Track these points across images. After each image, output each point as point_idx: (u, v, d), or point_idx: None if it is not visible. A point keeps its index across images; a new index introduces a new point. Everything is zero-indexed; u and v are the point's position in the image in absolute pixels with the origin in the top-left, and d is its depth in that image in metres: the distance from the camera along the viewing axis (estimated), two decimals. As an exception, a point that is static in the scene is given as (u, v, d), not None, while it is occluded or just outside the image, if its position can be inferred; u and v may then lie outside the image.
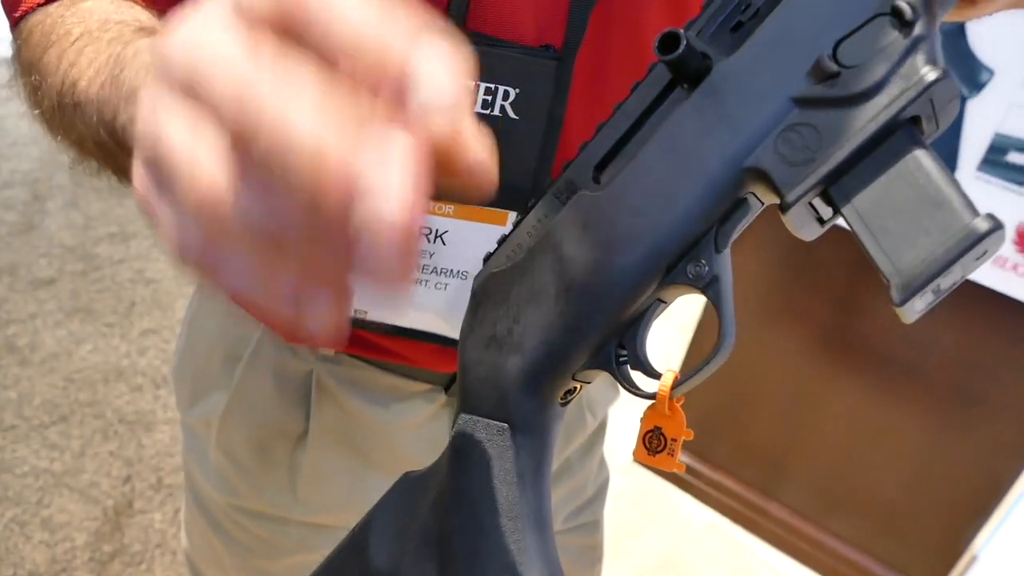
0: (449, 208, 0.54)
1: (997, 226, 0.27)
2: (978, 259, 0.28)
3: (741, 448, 1.88)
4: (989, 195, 1.37)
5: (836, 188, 0.30)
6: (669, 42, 0.32)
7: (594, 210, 0.35)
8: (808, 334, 1.69)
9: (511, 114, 0.51)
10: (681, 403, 0.35)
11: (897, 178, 0.28)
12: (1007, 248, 1.38)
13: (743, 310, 1.76)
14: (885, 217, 0.28)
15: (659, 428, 0.35)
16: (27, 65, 0.50)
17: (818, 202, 0.31)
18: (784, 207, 0.31)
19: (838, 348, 1.67)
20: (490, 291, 0.38)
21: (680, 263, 0.33)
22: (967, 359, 1.52)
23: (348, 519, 0.69)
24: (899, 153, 0.29)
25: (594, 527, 0.83)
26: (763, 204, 0.33)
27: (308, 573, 0.72)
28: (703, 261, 0.33)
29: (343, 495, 0.68)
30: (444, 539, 0.37)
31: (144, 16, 0.49)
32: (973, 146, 1.36)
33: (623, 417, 0.98)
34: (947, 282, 0.28)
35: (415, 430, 0.67)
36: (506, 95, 0.51)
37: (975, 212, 0.27)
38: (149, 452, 1.84)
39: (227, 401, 0.67)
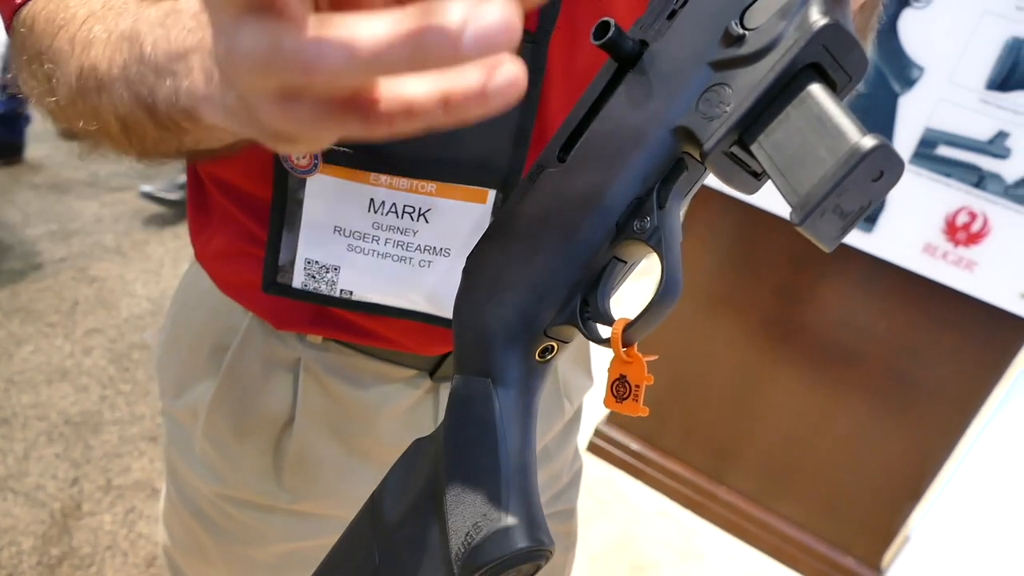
0: (431, 187, 0.55)
1: (882, 143, 0.29)
2: (876, 180, 0.30)
3: (689, 435, 1.92)
4: (921, 187, 1.43)
5: (748, 134, 0.33)
6: (601, 29, 0.36)
7: (556, 182, 0.39)
8: (752, 323, 1.74)
9: None
10: (650, 359, 0.38)
11: (795, 115, 0.31)
12: (938, 237, 1.44)
13: (689, 300, 1.80)
14: (788, 152, 0.31)
15: (624, 376, 0.38)
16: (36, 54, 0.49)
17: (742, 153, 0.34)
18: (702, 155, 0.34)
19: (780, 336, 1.72)
20: (476, 265, 0.42)
21: (629, 221, 0.37)
22: (901, 344, 1.58)
23: (332, 507, 0.70)
24: (797, 93, 0.31)
25: (569, 514, 0.85)
26: (703, 165, 0.36)
27: (293, 561, 0.74)
28: (648, 217, 0.36)
29: (327, 483, 0.69)
30: (438, 489, 0.40)
31: None
32: (905, 140, 1.42)
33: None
34: (849, 203, 0.30)
35: (399, 417, 0.68)
36: None
37: (864, 134, 0.29)
38: (97, 453, 1.81)
39: (215, 389, 0.67)
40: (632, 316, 0.36)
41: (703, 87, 0.35)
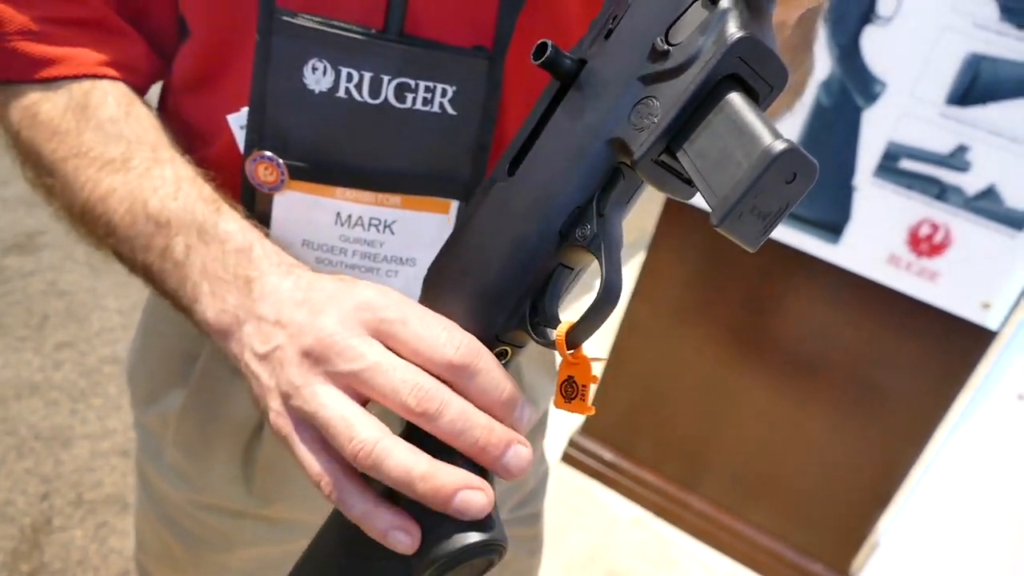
0: (396, 199, 0.58)
1: (792, 147, 0.30)
2: (790, 183, 0.31)
3: (662, 444, 1.94)
4: (884, 199, 1.47)
5: (674, 142, 0.35)
6: (540, 50, 0.39)
7: (505, 194, 0.41)
8: (721, 333, 1.77)
9: (449, 110, 0.56)
10: (597, 361, 0.40)
11: (716, 122, 0.33)
12: (901, 248, 1.48)
13: (659, 312, 1.82)
14: (709, 157, 0.33)
15: (572, 377, 0.40)
16: (32, 155, 0.54)
17: (671, 161, 0.36)
18: (633, 164, 0.36)
19: (749, 346, 1.75)
20: (434, 276, 0.44)
21: (572, 229, 0.39)
22: (867, 353, 1.61)
23: (301, 512, 0.71)
24: (717, 103, 0.33)
25: (535, 519, 0.87)
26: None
27: (263, 566, 0.75)
28: (588, 225, 0.38)
29: (296, 488, 0.70)
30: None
31: (152, 131, 0.53)
32: (869, 154, 1.46)
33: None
34: (767, 205, 0.31)
35: None
36: (444, 92, 0.55)
37: (776, 138, 0.31)
38: (68, 468, 1.79)
39: (185, 397, 0.68)
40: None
41: (634, 100, 0.36)
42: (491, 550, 0.39)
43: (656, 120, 0.35)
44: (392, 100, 0.54)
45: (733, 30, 0.33)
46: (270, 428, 0.41)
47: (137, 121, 0.54)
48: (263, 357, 0.42)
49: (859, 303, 1.58)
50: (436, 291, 0.43)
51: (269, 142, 0.55)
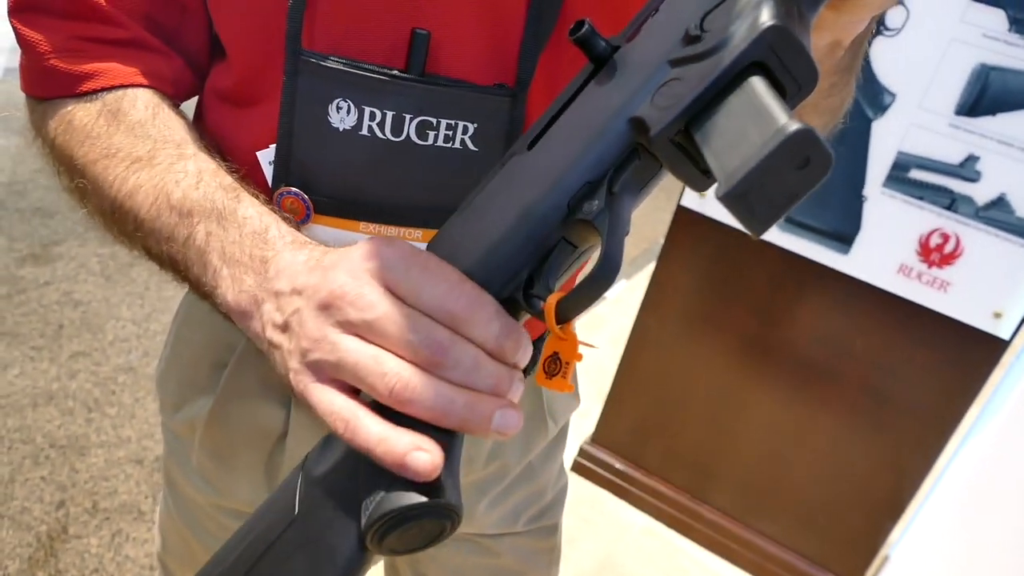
0: (418, 234, 0.59)
1: (807, 128, 0.30)
2: (801, 168, 0.30)
3: (672, 454, 1.94)
4: (894, 209, 1.47)
5: (694, 123, 0.35)
6: (577, 26, 0.40)
7: (520, 165, 0.42)
8: (732, 343, 1.77)
9: (471, 147, 0.57)
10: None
11: (735, 104, 0.33)
12: (911, 258, 1.48)
13: (669, 321, 1.83)
14: (725, 137, 0.33)
15: (556, 353, 0.40)
16: (66, 159, 0.56)
17: (688, 144, 0.36)
18: (649, 141, 0.36)
19: (759, 356, 1.75)
20: (439, 238, 0.44)
21: (580, 203, 0.39)
22: (877, 362, 1.61)
23: None
24: (739, 86, 0.33)
25: (553, 530, 0.87)
26: (655, 158, 0.38)
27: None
28: (597, 200, 0.38)
29: None
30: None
31: (180, 130, 0.55)
32: (879, 164, 1.46)
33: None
34: (776, 189, 0.30)
35: None
36: (465, 129, 0.56)
37: (792, 119, 0.30)
38: (83, 477, 1.81)
39: (212, 404, 0.70)
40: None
41: (660, 82, 0.37)
42: (442, 513, 0.39)
43: (679, 101, 0.35)
44: (414, 138, 0.56)
45: (766, 18, 0.33)
46: (292, 393, 0.41)
47: (164, 122, 0.56)
48: (283, 326, 0.42)
49: (870, 313, 1.58)
50: (438, 252, 0.42)
51: (295, 178, 0.57)
